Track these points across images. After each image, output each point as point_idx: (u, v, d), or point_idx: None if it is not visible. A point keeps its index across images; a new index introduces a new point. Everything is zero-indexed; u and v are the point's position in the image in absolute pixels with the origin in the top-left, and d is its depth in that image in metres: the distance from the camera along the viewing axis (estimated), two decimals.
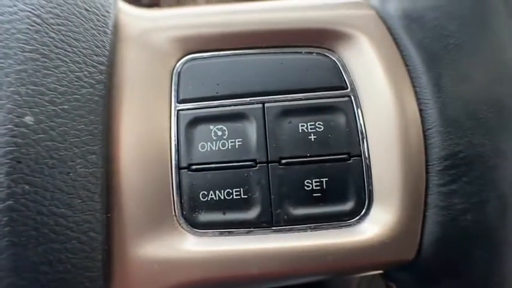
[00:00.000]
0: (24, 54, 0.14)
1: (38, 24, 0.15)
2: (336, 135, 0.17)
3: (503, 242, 0.17)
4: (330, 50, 0.18)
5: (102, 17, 0.17)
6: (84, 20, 0.16)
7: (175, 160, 0.16)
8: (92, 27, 0.16)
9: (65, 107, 0.15)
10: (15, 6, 0.15)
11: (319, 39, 0.18)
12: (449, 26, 0.17)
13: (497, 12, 0.18)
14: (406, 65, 0.17)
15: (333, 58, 0.18)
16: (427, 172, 0.17)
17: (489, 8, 0.18)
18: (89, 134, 0.15)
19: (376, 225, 0.16)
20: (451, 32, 0.17)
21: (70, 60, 0.15)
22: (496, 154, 0.16)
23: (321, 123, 0.17)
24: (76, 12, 0.16)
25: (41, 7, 0.15)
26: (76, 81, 0.15)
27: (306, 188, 0.16)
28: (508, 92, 0.17)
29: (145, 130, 0.16)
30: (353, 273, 0.18)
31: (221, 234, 0.16)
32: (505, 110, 0.17)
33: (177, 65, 0.18)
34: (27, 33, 0.15)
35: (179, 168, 0.16)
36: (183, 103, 0.17)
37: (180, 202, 0.16)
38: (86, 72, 0.15)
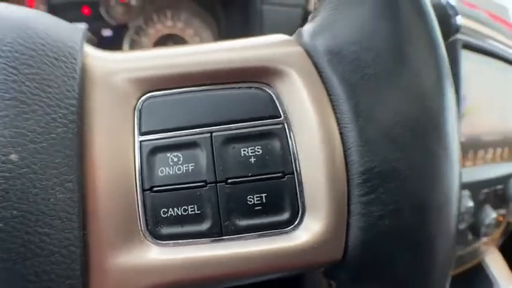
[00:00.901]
0: (5, 102, 0.17)
1: (15, 75, 0.18)
2: (272, 157, 0.20)
3: (422, 243, 0.21)
4: (266, 84, 0.21)
5: (70, 64, 0.19)
6: (54, 68, 0.19)
7: (140, 183, 0.20)
8: (62, 74, 0.19)
9: (44, 144, 0.18)
10: None
11: (257, 75, 0.21)
12: (366, 57, 0.20)
13: (413, 43, 0.21)
14: (329, 95, 0.21)
15: (269, 91, 0.21)
16: (348, 185, 0.20)
17: (404, 40, 0.21)
18: (65, 166, 0.18)
19: (307, 232, 0.20)
20: (367, 63, 0.20)
21: (45, 105, 0.18)
22: (409, 167, 0.20)
23: (260, 147, 0.20)
24: (47, 62, 0.19)
25: (16, 59, 0.18)
26: (52, 122, 0.18)
27: (248, 202, 0.20)
28: (422, 113, 0.21)
29: (114, 159, 0.19)
30: (292, 272, 0.21)
31: (180, 244, 0.20)
32: (418, 128, 0.20)
33: (138, 103, 0.21)
34: (5, 83, 0.17)
35: (143, 190, 0.20)
36: (145, 135, 0.20)
37: (145, 219, 0.20)
38: (60, 114, 0.18)
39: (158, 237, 0.20)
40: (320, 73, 0.21)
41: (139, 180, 0.20)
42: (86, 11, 0.59)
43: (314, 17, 0.24)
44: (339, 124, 0.21)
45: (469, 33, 0.72)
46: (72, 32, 0.21)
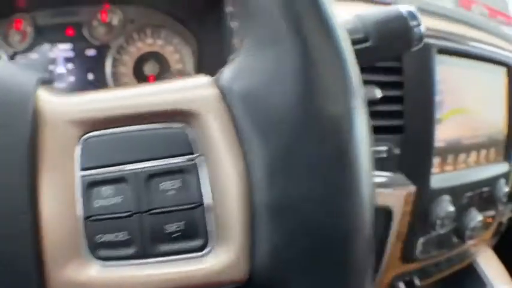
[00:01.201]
0: None
1: None
2: (188, 189, 0.24)
3: (325, 270, 0.23)
4: (185, 124, 0.25)
5: (23, 108, 0.23)
6: (10, 115, 0.23)
7: (81, 213, 0.23)
8: (17, 120, 0.23)
9: (1, 182, 0.21)
10: None
11: (176, 117, 0.25)
12: (275, 100, 0.23)
13: (322, 80, 0.24)
14: (239, 135, 0.24)
15: (186, 131, 0.25)
16: (253, 216, 0.23)
17: (313, 78, 0.23)
18: (20, 200, 0.22)
19: (216, 257, 0.24)
20: (275, 105, 0.23)
21: (2, 148, 0.22)
22: (305, 200, 0.23)
23: (178, 181, 0.24)
24: (4, 110, 0.23)
25: None
26: (7, 163, 0.22)
27: (167, 230, 0.23)
28: (325, 148, 0.23)
29: (60, 193, 0.23)
30: None
31: (115, 265, 0.24)
32: (320, 163, 0.23)
33: (80, 141, 0.24)
34: None
35: (84, 219, 0.23)
36: (84, 171, 0.24)
37: (86, 243, 0.23)
38: (14, 156, 0.22)
39: (97, 259, 0.24)
40: (232, 115, 0.25)
41: (80, 210, 0.24)
42: (70, 32, 0.63)
43: (234, 58, 0.27)
44: (246, 162, 0.24)
45: (450, 38, 0.74)
46: (28, 79, 0.25)
